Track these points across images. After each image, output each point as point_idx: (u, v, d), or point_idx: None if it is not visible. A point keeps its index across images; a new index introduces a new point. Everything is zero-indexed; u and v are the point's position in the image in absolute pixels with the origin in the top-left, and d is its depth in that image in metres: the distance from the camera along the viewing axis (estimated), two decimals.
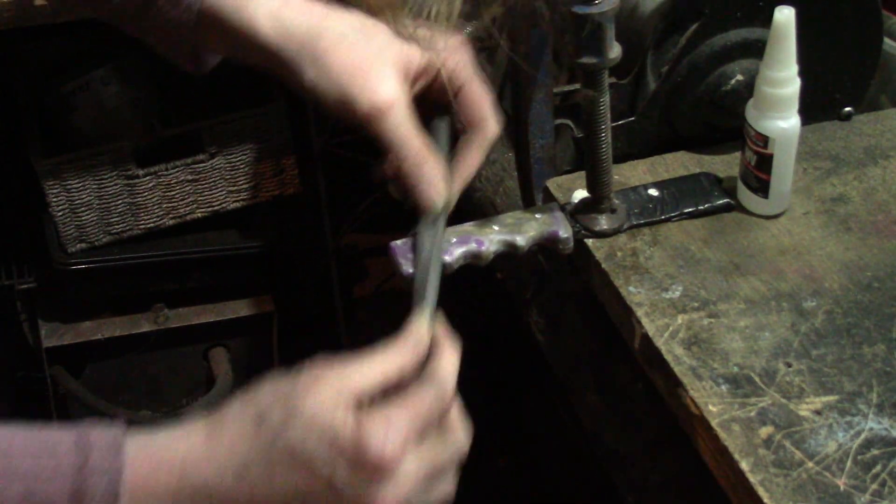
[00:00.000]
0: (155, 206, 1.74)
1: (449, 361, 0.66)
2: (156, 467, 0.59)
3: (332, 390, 0.61)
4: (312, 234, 1.89)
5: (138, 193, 1.71)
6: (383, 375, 0.63)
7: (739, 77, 0.90)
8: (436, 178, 0.73)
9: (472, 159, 0.74)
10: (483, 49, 1.15)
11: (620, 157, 0.92)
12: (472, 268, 0.83)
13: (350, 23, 0.73)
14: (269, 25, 0.72)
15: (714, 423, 0.69)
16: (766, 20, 0.79)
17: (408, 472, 0.61)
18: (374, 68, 0.71)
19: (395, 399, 0.62)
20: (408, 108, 0.72)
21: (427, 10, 0.71)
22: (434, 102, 0.76)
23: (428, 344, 0.66)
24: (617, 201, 0.86)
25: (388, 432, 0.60)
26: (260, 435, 0.60)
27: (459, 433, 0.65)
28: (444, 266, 0.79)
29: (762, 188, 0.85)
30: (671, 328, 0.76)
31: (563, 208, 0.87)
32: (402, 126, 0.71)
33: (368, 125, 0.72)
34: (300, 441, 0.59)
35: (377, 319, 1.99)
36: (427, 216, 0.75)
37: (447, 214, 0.75)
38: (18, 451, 0.58)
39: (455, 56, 0.74)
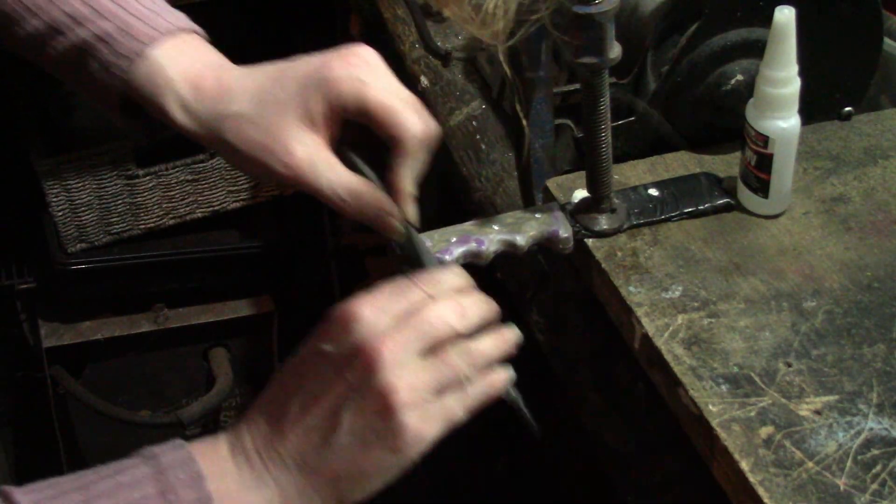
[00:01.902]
0: (155, 206, 1.74)
1: (453, 274, 0.69)
2: (208, 444, 0.65)
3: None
4: (312, 234, 1.89)
5: (138, 193, 1.71)
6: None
7: (739, 77, 0.90)
8: (380, 207, 0.73)
9: (403, 173, 0.73)
10: (483, 48, 1.14)
11: (620, 157, 0.92)
12: (472, 267, 0.83)
13: (251, 94, 0.74)
14: (181, 116, 0.76)
15: (714, 423, 0.69)
16: (766, 20, 0.79)
17: (386, 321, 0.64)
18: (281, 134, 0.72)
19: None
20: (328, 155, 0.73)
21: (485, 6, 0.72)
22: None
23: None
24: (617, 201, 0.86)
25: (354, 299, 0.65)
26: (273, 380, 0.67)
27: (457, 300, 0.67)
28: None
29: (762, 188, 0.85)
30: (671, 328, 0.76)
31: (563, 208, 0.87)
32: (326, 175, 0.72)
33: (297, 186, 0.73)
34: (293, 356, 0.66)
35: None
36: (400, 244, 0.75)
37: (416, 231, 0.75)
38: (92, 480, 0.61)
39: (354, 78, 0.73)
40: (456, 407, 0.65)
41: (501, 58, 0.79)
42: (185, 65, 0.76)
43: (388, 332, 0.64)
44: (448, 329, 0.65)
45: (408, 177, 0.73)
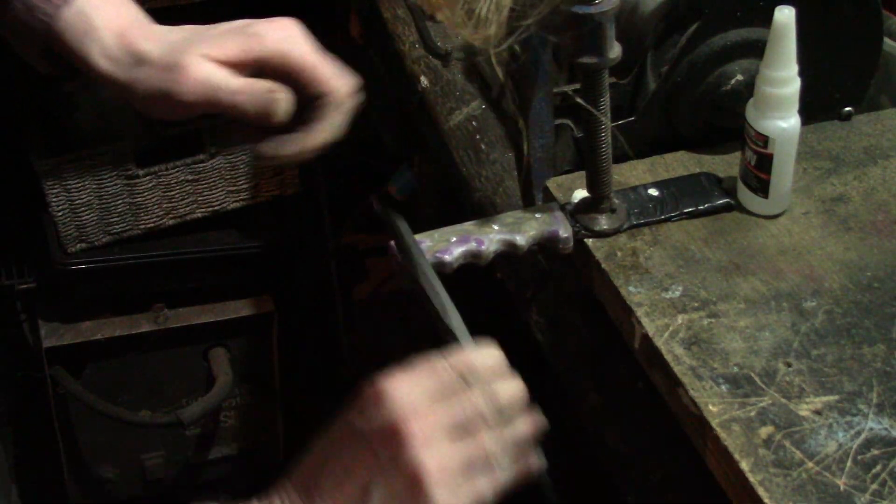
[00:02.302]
0: (155, 206, 1.74)
1: (487, 356, 0.69)
2: None
3: None
4: (312, 234, 1.89)
5: (138, 193, 1.71)
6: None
7: (739, 77, 0.90)
8: (270, 89, 0.74)
9: (326, 125, 0.76)
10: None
11: (620, 157, 0.92)
12: (472, 267, 0.83)
13: (170, 43, 0.77)
14: (104, 63, 0.77)
15: (714, 423, 0.69)
16: (766, 20, 0.79)
17: (420, 400, 0.64)
18: (184, 61, 0.74)
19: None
20: (226, 73, 0.75)
21: (477, 10, 0.72)
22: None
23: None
24: (617, 201, 0.86)
25: (386, 376, 0.65)
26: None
27: (495, 389, 0.67)
28: (443, 265, 0.79)
29: (762, 188, 0.85)
30: (671, 328, 0.76)
31: (563, 208, 0.87)
32: (221, 83, 0.74)
33: (198, 109, 0.75)
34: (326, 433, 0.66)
35: (377, 319, 1.99)
36: (400, 249, 0.76)
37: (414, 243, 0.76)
38: None
39: (280, 38, 0.75)
40: (485, 487, 0.65)
41: (494, 61, 0.79)
42: (111, 14, 0.77)
43: (420, 410, 0.64)
44: (479, 414, 0.66)
45: (329, 129, 0.76)
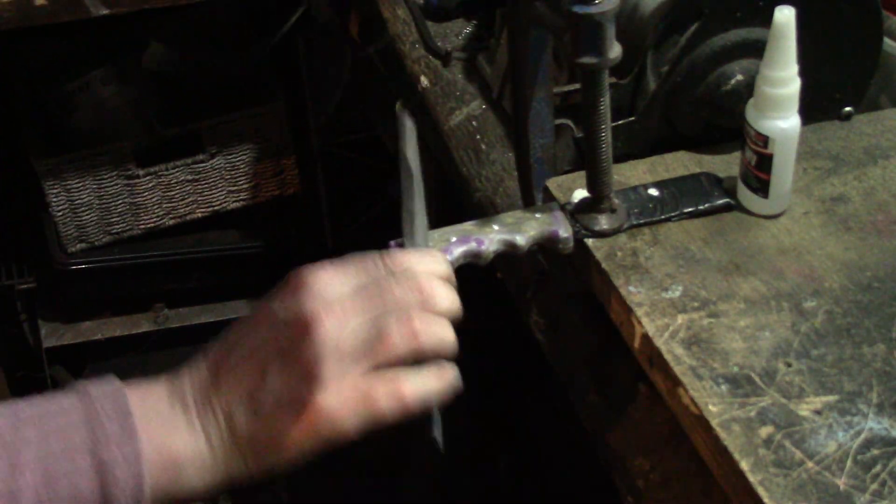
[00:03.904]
0: (155, 206, 1.74)
1: (430, 260, 0.67)
2: (148, 384, 0.65)
3: None
4: (312, 234, 1.89)
5: (138, 193, 1.71)
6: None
7: (739, 77, 0.90)
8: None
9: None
10: (483, 48, 1.15)
11: (620, 157, 0.92)
12: (472, 267, 0.83)
13: None
14: None
15: (714, 423, 0.69)
16: (766, 20, 0.79)
17: (338, 290, 0.62)
18: None
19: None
20: None
21: None
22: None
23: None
24: (617, 201, 0.86)
25: (313, 264, 0.64)
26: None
27: (424, 283, 0.64)
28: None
29: (762, 188, 0.85)
30: (671, 328, 0.76)
31: (563, 208, 0.87)
32: None
33: None
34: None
35: None
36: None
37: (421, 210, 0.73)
38: (21, 407, 0.61)
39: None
40: (382, 401, 0.62)
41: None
42: None
43: (333, 303, 0.62)
44: (400, 311, 0.63)
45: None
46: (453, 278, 0.68)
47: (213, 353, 0.66)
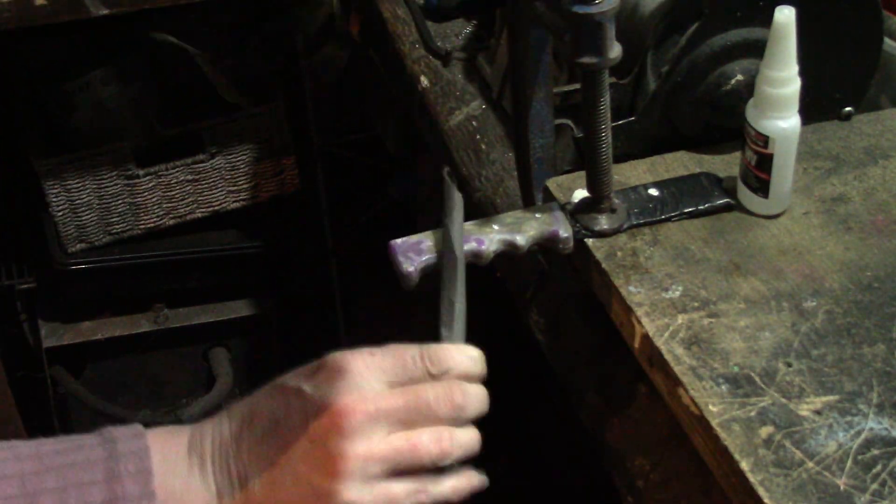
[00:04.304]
0: (155, 206, 1.74)
1: (466, 356, 0.67)
2: (171, 434, 0.66)
3: None
4: (312, 234, 1.89)
5: (138, 193, 1.71)
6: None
7: (739, 77, 0.90)
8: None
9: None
10: (483, 48, 1.15)
11: (620, 157, 0.92)
12: (472, 267, 0.83)
13: None
14: None
15: (714, 423, 0.69)
16: (766, 20, 0.79)
17: (377, 387, 0.63)
18: None
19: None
20: None
21: None
22: None
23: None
24: (617, 201, 0.86)
25: (357, 352, 0.64)
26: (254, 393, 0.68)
27: (456, 389, 0.65)
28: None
29: (762, 188, 0.85)
30: (671, 328, 0.76)
31: (563, 208, 0.87)
32: None
33: None
34: (283, 377, 0.66)
35: (377, 319, 2.00)
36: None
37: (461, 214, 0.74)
38: (49, 452, 0.62)
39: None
40: (402, 497, 0.64)
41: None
42: None
43: (367, 401, 0.63)
44: (431, 422, 0.64)
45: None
46: (485, 372, 0.68)
47: (239, 418, 0.66)
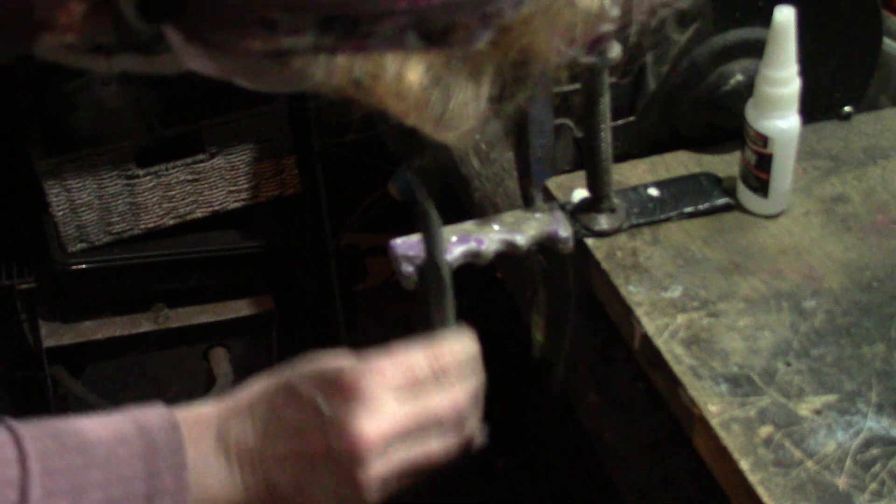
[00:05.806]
0: (155, 206, 1.74)
1: (464, 350, 0.70)
2: (199, 425, 0.69)
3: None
4: (312, 234, 1.89)
5: (138, 193, 1.71)
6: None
7: (739, 77, 0.90)
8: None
9: None
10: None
11: (620, 157, 0.92)
12: (472, 267, 0.83)
13: None
14: None
15: (714, 422, 0.69)
16: (766, 20, 0.79)
17: (391, 408, 0.66)
18: None
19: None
20: None
21: (454, 99, 0.68)
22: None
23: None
24: (617, 201, 0.86)
25: (367, 367, 0.66)
26: (270, 385, 0.70)
27: (458, 391, 0.69)
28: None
29: (762, 188, 0.85)
30: (671, 328, 0.76)
31: (563, 208, 0.87)
32: None
33: None
34: (297, 379, 0.68)
35: (377, 319, 1.99)
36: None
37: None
38: (92, 442, 0.64)
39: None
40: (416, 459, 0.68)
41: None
42: None
43: (383, 420, 0.65)
44: (439, 430, 0.68)
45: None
46: (478, 350, 0.71)
47: (261, 419, 0.68)
